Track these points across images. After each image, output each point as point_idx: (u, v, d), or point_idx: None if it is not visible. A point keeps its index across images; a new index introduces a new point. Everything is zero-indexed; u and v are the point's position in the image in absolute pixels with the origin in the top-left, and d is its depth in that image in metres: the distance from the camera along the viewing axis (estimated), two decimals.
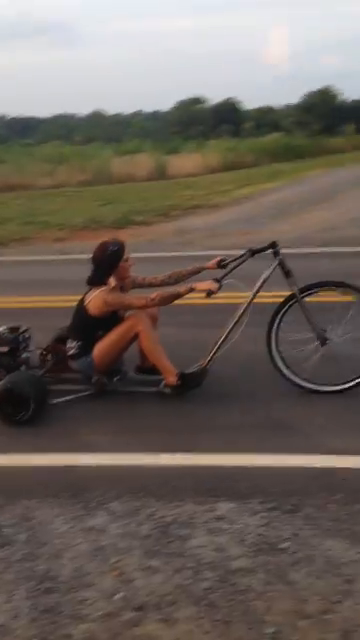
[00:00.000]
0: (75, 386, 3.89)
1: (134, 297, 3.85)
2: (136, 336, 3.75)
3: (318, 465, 2.95)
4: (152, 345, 3.75)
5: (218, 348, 3.74)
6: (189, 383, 3.78)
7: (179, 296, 3.73)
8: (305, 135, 35.11)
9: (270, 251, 3.71)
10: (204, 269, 3.95)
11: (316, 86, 60.35)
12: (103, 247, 3.79)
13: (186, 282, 3.82)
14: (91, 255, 3.81)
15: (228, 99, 53.38)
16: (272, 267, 3.71)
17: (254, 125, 41.27)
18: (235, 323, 3.73)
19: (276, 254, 3.70)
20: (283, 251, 3.71)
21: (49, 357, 4.01)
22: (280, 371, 3.76)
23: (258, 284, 3.75)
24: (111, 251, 3.76)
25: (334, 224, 10.28)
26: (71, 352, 3.87)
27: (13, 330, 4.06)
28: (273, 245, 3.71)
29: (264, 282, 3.74)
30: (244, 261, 3.76)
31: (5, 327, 4.07)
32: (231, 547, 2.40)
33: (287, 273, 3.69)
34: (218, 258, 3.91)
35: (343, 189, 15.42)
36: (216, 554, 2.36)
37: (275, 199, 14.29)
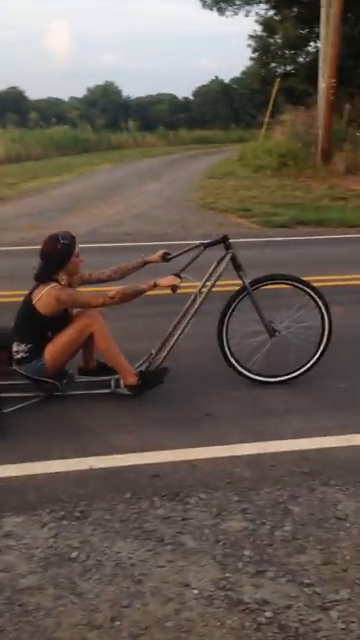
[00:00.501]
0: (19, 393, 3.55)
1: (90, 295, 3.55)
2: (90, 336, 3.50)
3: (105, 466, 2.92)
4: (108, 345, 3.53)
5: (175, 343, 3.63)
6: (150, 382, 3.59)
7: (141, 293, 3.53)
8: (91, 129, 35.32)
9: (221, 245, 3.67)
10: (148, 262, 3.77)
11: (98, 81, 61.15)
12: (53, 240, 3.48)
13: (130, 277, 3.74)
14: (39, 249, 3.49)
15: (13, 87, 51.72)
16: (225, 260, 3.66)
17: (39, 116, 40.46)
18: (191, 317, 3.64)
19: (228, 247, 3.67)
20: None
21: None
22: (231, 364, 3.76)
23: (214, 278, 3.67)
24: (62, 245, 3.46)
25: (120, 219, 10.46)
26: (19, 356, 3.53)
27: None
28: (225, 239, 3.68)
29: (219, 276, 3.67)
30: (197, 256, 3.66)
31: None
32: (19, 565, 2.27)
33: (238, 267, 3.68)
34: (162, 251, 3.78)
35: (130, 184, 15.80)
36: (3, 575, 2.22)
37: (64, 193, 14.16)
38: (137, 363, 3.75)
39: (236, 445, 3.11)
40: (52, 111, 46.82)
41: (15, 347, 3.56)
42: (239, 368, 3.79)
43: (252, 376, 3.79)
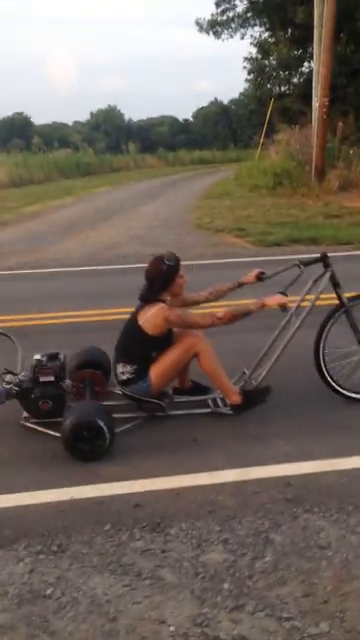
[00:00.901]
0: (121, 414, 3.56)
1: (198, 316, 3.55)
2: (195, 356, 3.53)
3: (87, 496, 2.88)
4: (213, 365, 3.54)
5: (276, 361, 3.65)
6: (253, 401, 3.62)
7: (250, 314, 3.56)
8: (93, 152, 35.68)
9: (321, 263, 3.68)
10: (243, 284, 3.81)
11: (101, 105, 62.11)
12: (159, 262, 3.50)
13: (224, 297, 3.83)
14: (145, 270, 3.53)
15: (19, 113, 52.46)
16: (326, 279, 3.66)
17: (42, 141, 40.98)
18: (293, 335, 3.63)
19: (327, 266, 3.67)
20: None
21: (81, 385, 3.70)
22: (327, 382, 3.75)
23: (314, 295, 3.68)
24: (168, 266, 3.47)
25: (118, 241, 10.50)
26: (125, 377, 3.56)
27: (52, 357, 3.57)
28: (324, 257, 3.68)
29: (320, 293, 3.68)
30: (300, 274, 3.70)
31: (43, 354, 3.57)
32: None
33: (336, 284, 3.68)
34: (257, 271, 3.82)
35: (129, 206, 15.91)
36: None
37: (64, 216, 14.25)
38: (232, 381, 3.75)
39: (220, 472, 3.07)
40: (56, 135, 47.47)
41: (120, 368, 3.58)
42: (335, 386, 3.77)
43: (349, 394, 3.79)
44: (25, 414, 3.58)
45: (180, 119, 67.83)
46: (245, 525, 2.63)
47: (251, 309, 3.54)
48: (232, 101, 59.71)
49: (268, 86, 22.75)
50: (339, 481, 2.97)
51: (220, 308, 3.59)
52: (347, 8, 18.58)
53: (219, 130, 60.48)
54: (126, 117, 62.43)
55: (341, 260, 8.47)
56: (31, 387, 3.46)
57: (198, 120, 65.77)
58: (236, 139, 53.57)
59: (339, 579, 2.31)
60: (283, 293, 3.62)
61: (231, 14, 22.90)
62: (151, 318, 3.45)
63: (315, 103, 15.56)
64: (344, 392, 3.78)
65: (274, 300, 3.56)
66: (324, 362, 3.73)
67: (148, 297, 3.51)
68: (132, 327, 3.54)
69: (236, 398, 3.60)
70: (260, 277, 3.78)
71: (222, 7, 22.87)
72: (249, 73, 23.74)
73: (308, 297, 3.73)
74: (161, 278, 3.48)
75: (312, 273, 3.74)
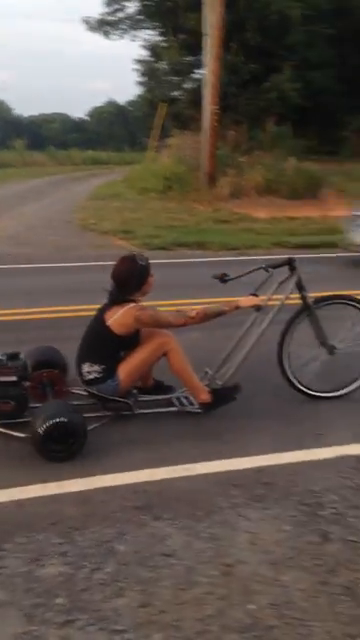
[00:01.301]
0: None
1: (171, 315, 3.51)
2: (163, 355, 3.49)
3: None
4: (182, 364, 3.53)
5: (243, 361, 3.68)
6: (222, 399, 3.63)
7: (223, 314, 3.56)
8: None
9: (287, 267, 3.74)
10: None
11: None
12: (131, 261, 3.45)
13: None
14: (114, 271, 3.46)
15: None
16: (292, 281, 3.71)
17: None
18: (260, 335, 3.67)
19: (293, 269, 3.73)
20: None
21: (39, 386, 3.62)
22: (289, 380, 3.84)
23: (283, 297, 3.71)
24: (141, 265, 3.43)
25: None
26: (92, 376, 3.50)
27: (12, 357, 3.45)
28: (290, 261, 3.74)
29: (287, 297, 3.73)
30: (269, 277, 3.77)
31: (2, 353, 3.45)
32: None
33: (302, 287, 3.73)
34: (220, 273, 3.76)
35: (9, 204, 15.42)
36: None
37: None
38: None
39: (68, 481, 2.94)
40: None
41: (87, 368, 3.51)
42: (299, 386, 3.86)
43: (312, 393, 3.89)
44: None
45: (73, 117, 66.94)
46: (88, 536, 2.53)
47: (224, 310, 3.57)
48: (129, 102, 59.74)
49: (160, 90, 22.87)
50: (193, 487, 2.94)
51: (194, 307, 3.58)
52: (237, 19, 19.12)
53: (115, 131, 60.28)
54: (16, 112, 60.81)
55: (223, 265, 8.65)
56: None
57: (93, 119, 65.21)
58: (133, 141, 53.59)
59: (179, 587, 2.27)
60: (254, 294, 3.68)
61: (121, 15, 22.81)
62: (120, 318, 3.41)
63: (206, 110, 15.81)
64: (309, 392, 3.90)
65: (249, 301, 3.62)
66: (289, 363, 3.82)
67: (119, 299, 3.46)
68: (99, 327, 3.48)
69: (205, 397, 3.61)
70: (223, 279, 3.75)
71: (112, 7, 22.71)
72: (141, 75, 23.79)
73: (275, 298, 3.77)
74: (135, 278, 3.44)
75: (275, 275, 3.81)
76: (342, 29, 26.61)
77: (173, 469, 3.09)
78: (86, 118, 67.07)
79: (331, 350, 3.86)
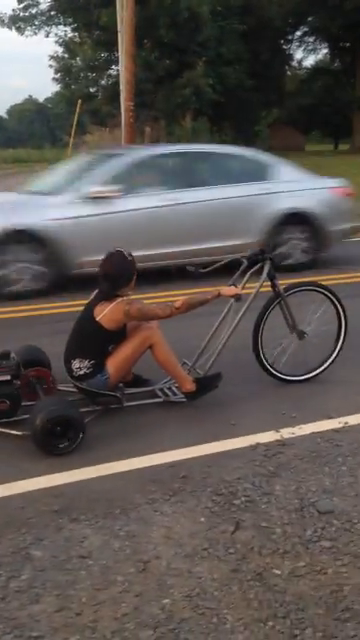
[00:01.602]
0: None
1: (157, 307, 3.60)
2: (149, 348, 3.61)
3: None
4: (167, 355, 3.66)
5: (221, 349, 3.86)
6: (206, 388, 3.77)
7: (206, 302, 3.68)
8: None
9: (260, 257, 3.93)
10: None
11: None
12: (121, 257, 3.54)
13: None
14: (103, 267, 3.55)
15: None
16: (266, 271, 3.89)
17: None
18: (237, 323, 3.85)
19: (265, 260, 3.92)
20: None
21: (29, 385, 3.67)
22: (264, 366, 4.02)
23: (257, 287, 3.91)
24: (130, 261, 3.55)
25: None
26: (82, 372, 3.58)
27: (4, 356, 3.54)
28: (262, 252, 3.95)
29: (261, 285, 3.92)
30: (245, 268, 3.94)
31: None
32: None
33: (273, 276, 3.92)
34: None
35: None
36: None
37: None
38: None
39: None
40: None
41: (77, 364, 3.58)
42: (272, 371, 4.06)
43: (284, 377, 4.09)
44: None
45: None
46: (4, 544, 2.51)
47: (207, 298, 3.69)
48: (48, 100, 58.78)
49: (77, 87, 22.60)
50: (109, 485, 2.96)
51: (177, 298, 3.63)
52: (150, 16, 19.15)
53: (36, 129, 59.21)
54: None
55: None
56: None
57: (13, 118, 63.79)
58: (55, 138, 52.80)
59: (96, 588, 2.28)
60: (234, 285, 3.86)
61: (34, 10, 22.35)
62: (109, 313, 3.50)
63: (123, 107, 15.75)
64: (280, 376, 4.09)
65: (230, 291, 3.76)
66: (262, 348, 3.98)
67: (110, 295, 3.54)
68: (88, 323, 3.56)
69: (190, 386, 3.73)
70: (197, 272, 3.96)
71: (24, 2, 22.21)
72: (56, 72, 23.42)
73: (248, 286, 3.93)
74: (127, 273, 3.56)
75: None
76: (252, 25, 27.19)
77: (92, 469, 3.09)
78: (5, 116, 65.49)
79: (301, 335, 4.10)
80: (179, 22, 19.59)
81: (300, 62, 51.87)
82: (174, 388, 3.87)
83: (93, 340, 3.57)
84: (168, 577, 2.31)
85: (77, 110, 18.67)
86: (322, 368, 4.18)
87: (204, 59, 20.14)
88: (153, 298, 4.07)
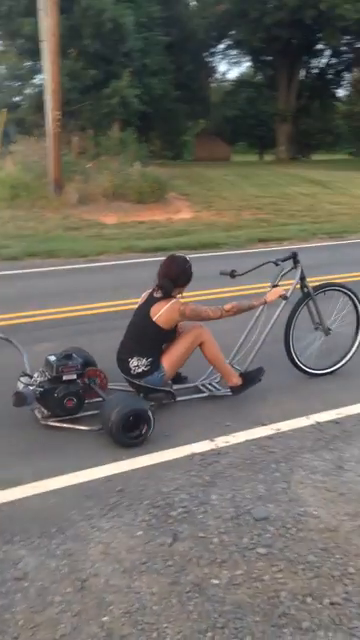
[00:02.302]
0: None
1: (209, 309, 3.87)
2: (200, 345, 3.87)
3: None
4: (216, 353, 3.94)
5: (260, 346, 4.12)
6: (251, 382, 4.03)
7: (252, 308, 4.04)
8: None
9: (291, 260, 4.24)
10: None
11: None
12: (182, 261, 3.85)
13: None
14: (164, 269, 3.83)
15: None
16: (298, 274, 4.24)
17: None
18: (273, 323, 4.13)
19: (296, 262, 4.25)
20: None
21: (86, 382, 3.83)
22: (293, 361, 4.32)
23: (291, 289, 4.18)
24: (189, 265, 3.84)
25: None
26: (140, 370, 3.83)
27: (67, 357, 3.73)
28: (294, 255, 4.25)
29: (296, 284, 4.26)
30: (282, 270, 4.21)
31: (59, 354, 3.77)
32: None
33: (303, 277, 4.26)
34: (230, 270, 4.15)
35: None
36: None
37: None
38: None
39: None
40: None
41: (135, 362, 3.82)
42: (302, 366, 4.37)
43: (311, 371, 4.41)
44: (38, 413, 3.71)
45: None
46: None
47: (254, 304, 4.01)
48: None
49: (0, 96, 22.14)
50: (44, 503, 2.90)
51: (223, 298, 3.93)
52: (74, 25, 19.04)
53: None
54: None
55: (75, 273, 8.58)
56: (54, 386, 3.60)
57: None
58: None
59: (32, 610, 2.23)
60: (275, 286, 4.11)
61: None
62: (165, 313, 3.76)
63: (49, 116, 15.58)
64: (309, 370, 4.40)
65: (275, 294, 4.04)
66: (293, 344, 4.26)
67: (169, 294, 3.80)
68: (145, 322, 3.81)
69: (237, 380, 4.01)
70: (233, 274, 4.15)
71: None
72: None
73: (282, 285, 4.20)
74: (185, 275, 3.83)
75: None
76: (176, 37, 27.56)
77: (26, 487, 3.02)
78: None
79: (327, 332, 4.42)
80: (103, 32, 19.56)
81: (224, 74, 53.00)
82: (214, 384, 4.17)
83: (150, 339, 3.83)
84: (107, 594, 2.29)
85: (2, 120, 18.31)
86: (344, 361, 4.53)
87: (130, 69, 20.19)
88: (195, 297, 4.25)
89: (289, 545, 2.56)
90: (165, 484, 3.01)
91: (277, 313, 4.16)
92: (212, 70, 43.71)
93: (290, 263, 4.26)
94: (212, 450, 3.37)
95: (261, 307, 4.16)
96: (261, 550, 2.52)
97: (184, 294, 3.97)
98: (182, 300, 3.85)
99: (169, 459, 3.27)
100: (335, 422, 3.71)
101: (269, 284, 4.17)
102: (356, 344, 4.52)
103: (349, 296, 4.46)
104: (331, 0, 29.33)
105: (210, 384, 4.17)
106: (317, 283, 4.46)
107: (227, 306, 3.90)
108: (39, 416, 3.69)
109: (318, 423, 3.69)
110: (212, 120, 43.06)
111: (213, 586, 2.32)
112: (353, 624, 2.15)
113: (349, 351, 4.53)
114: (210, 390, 4.11)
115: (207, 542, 2.58)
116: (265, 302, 4.04)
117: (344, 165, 31.85)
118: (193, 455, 3.30)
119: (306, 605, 2.23)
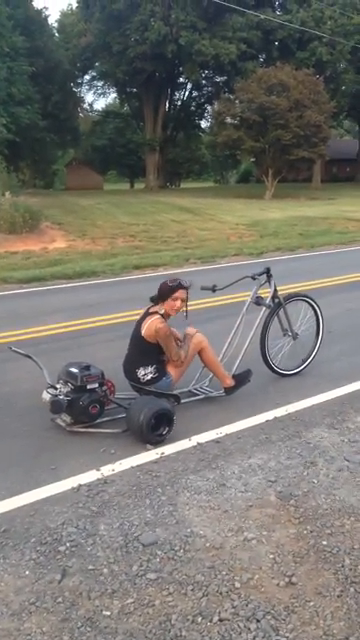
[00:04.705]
0: None
1: (181, 350, 4.21)
2: (199, 351, 4.29)
3: None
4: (213, 358, 4.38)
5: (246, 348, 4.60)
6: (242, 383, 4.49)
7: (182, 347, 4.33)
8: None
9: (264, 275, 4.72)
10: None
11: None
12: (169, 281, 4.17)
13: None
14: None
15: None
16: (273, 286, 4.70)
17: None
18: (257, 326, 4.68)
19: (270, 276, 4.72)
20: None
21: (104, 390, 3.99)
22: (269, 366, 4.83)
23: (270, 294, 4.72)
24: (170, 287, 4.14)
25: None
26: (148, 377, 4.14)
27: (87, 367, 3.97)
28: (267, 270, 4.72)
29: (273, 294, 4.74)
30: (260, 283, 4.76)
31: (78, 366, 3.98)
32: None
33: (276, 289, 4.72)
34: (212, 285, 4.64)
35: None
36: None
37: None
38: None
39: None
40: None
41: (142, 371, 4.16)
42: (275, 368, 4.87)
43: (283, 372, 4.93)
44: (60, 421, 3.98)
45: None
46: None
47: (182, 344, 4.31)
48: None
49: None
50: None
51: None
52: None
53: None
54: None
55: None
56: (79, 395, 3.84)
57: None
58: None
59: None
60: (258, 297, 4.62)
61: None
62: (147, 327, 4.07)
63: None
64: (283, 372, 4.93)
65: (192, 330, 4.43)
66: (268, 349, 4.74)
67: (155, 303, 4.19)
68: (138, 334, 4.15)
69: (230, 382, 4.44)
70: (214, 289, 4.58)
71: None
72: None
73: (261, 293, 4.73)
74: (160, 291, 4.16)
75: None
76: (41, 67, 27.53)
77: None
78: None
79: (295, 336, 4.95)
80: None
81: (92, 105, 53.41)
82: (205, 387, 4.57)
83: (147, 351, 4.14)
84: None
85: None
86: (308, 362, 5.08)
87: None
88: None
89: (178, 567, 2.60)
90: (52, 519, 2.95)
91: (258, 321, 4.67)
92: (80, 100, 43.99)
93: (264, 277, 4.77)
94: (98, 480, 3.34)
95: (241, 316, 4.61)
96: (151, 575, 2.54)
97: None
98: (163, 319, 4.10)
99: (55, 493, 3.20)
100: (216, 441, 3.82)
101: (249, 294, 4.69)
102: (317, 345, 5.12)
103: (311, 305, 5.06)
104: (190, 36, 30.69)
105: (202, 387, 4.57)
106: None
107: (184, 358, 4.24)
108: (62, 424, 3.95)
109: (200, 444, 3.79)
110: (82, 149, 43.24)
111: (105, 618, 2.31)
112: (241, 637, 2.22)
113: (312, 352, 5.12)
114: (204, 393, 4.50)
115: (97, 574, 2.55)
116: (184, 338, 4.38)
117: (210, 192, 33.19)
118: (80, 486, 3.25)
119: (197, 625, 2.27)
